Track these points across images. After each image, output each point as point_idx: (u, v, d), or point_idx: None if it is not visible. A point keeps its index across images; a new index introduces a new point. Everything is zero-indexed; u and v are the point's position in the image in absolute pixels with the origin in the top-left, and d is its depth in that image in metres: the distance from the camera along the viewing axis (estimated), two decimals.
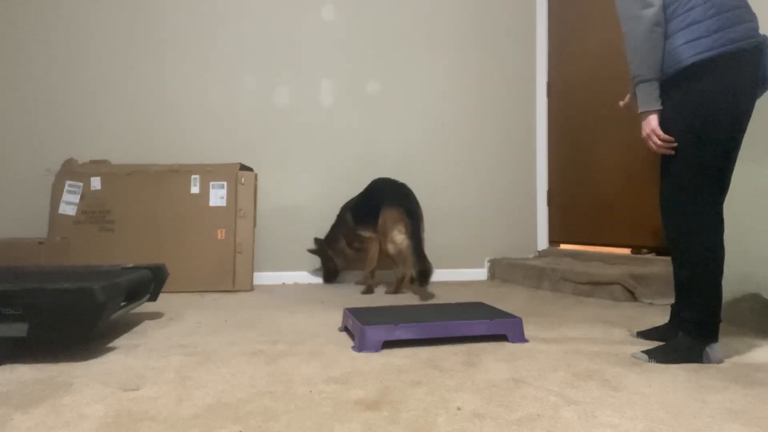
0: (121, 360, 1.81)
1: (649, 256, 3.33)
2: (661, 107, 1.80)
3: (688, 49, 1.72)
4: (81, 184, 3.37)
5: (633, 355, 1.84)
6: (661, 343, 1.87)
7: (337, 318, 2.43)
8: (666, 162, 1.85)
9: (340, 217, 3.62)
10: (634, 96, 1.90)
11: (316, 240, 3.69)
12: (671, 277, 2.02)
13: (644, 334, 2.10)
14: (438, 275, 3.73)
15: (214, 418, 1.31)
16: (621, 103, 2.19)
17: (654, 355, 1.79)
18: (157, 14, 3.74)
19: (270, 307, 2.79)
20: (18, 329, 1.72)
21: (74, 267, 2.78)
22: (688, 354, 1.77)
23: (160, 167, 3.45)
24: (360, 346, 1.91)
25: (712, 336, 1.77)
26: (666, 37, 1.78)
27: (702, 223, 1.77)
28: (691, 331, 1.80)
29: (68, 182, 3.37)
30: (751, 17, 1.76)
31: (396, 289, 3.26)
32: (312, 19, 3.91)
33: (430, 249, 3.19)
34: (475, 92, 4.13)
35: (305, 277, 3.81)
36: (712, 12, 1.71)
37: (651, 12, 1.75)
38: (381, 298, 3.10)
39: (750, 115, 1.79)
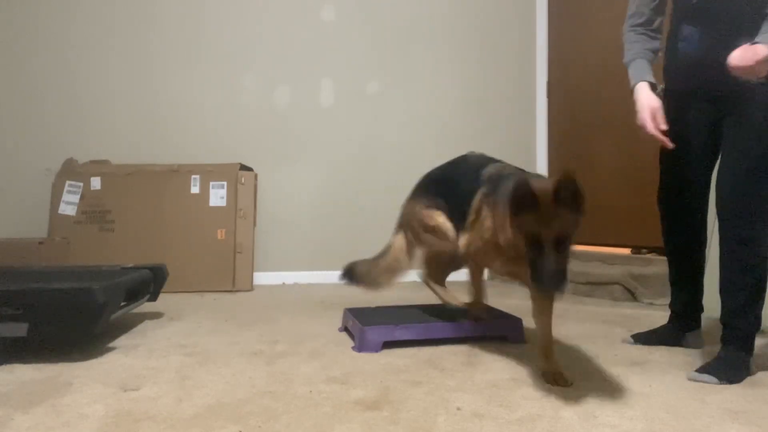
0: (121, 360, 1.81)
1: (649, 256, 3.33)
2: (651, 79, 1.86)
3: None
4: (81, 184, 3.36)
5: (694, 379, 1.61)
6: (714, 359, 1.68)
7: (337, 318, 2.42)
8: (751, 163, 1.67)
9: None
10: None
11: None
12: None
13: (641, 339, 2.00)
14: None
15: (214, 418, 1.31)
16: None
17: (723, 377, 1.60)
18: (157, 14, 3.73)
19: (270, 307, 2.79)
20: (18, 329, 1.72)
21: (74, 267, 2.78)
22: (746, 368, 1.65)
23: (160, 167, 3.45)
24: (360, 347, 1.91)
25: (753, 347, 1.69)
26: None
27: None
28: (742, 345, 1.66)
29: (68, 182, 3.36)
30: None
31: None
32: (312, 19, 3.90)
33: None
34: (475, 92, 4.13)
35: (305, 277, 3.81)
36: None
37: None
38: (381, 297, 3.09)
39: None
